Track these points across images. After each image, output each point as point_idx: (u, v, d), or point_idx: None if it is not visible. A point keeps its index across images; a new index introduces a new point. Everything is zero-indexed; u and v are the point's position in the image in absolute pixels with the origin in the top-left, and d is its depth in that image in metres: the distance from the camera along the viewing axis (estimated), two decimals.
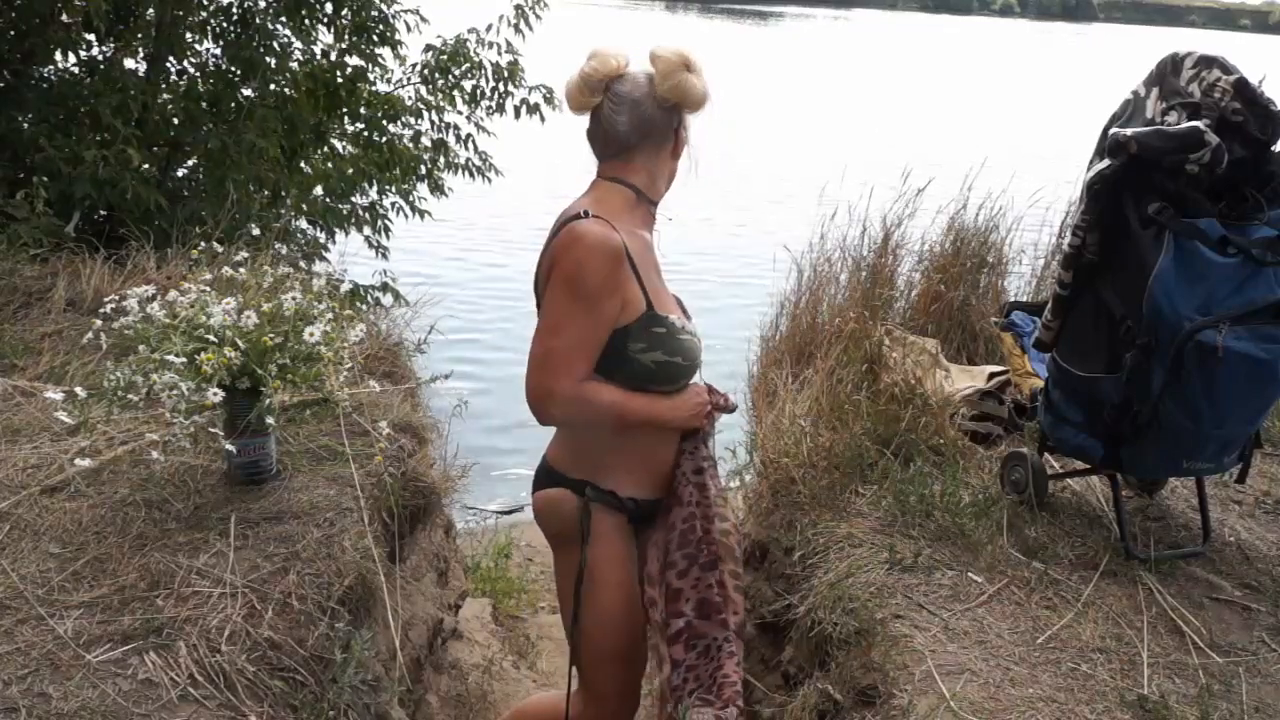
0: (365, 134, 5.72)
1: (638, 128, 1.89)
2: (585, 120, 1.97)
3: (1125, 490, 2.65)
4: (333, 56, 5.47)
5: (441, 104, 5.83)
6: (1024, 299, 4.08)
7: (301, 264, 4.74)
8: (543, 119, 5.70)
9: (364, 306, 4.93)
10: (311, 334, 2.18)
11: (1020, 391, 2.97)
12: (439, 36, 5.78)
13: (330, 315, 2.29)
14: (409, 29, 5.66)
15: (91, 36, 4.78)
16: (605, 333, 1.84)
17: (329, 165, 5.61)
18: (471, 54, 5.72)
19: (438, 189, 6.00)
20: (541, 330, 1.87)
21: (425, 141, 5.89)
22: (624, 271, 1.84)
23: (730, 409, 2.07)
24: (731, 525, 2.00)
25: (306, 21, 5.30)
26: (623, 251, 1.83)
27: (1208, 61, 2.27)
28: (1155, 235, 2.17)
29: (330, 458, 2.48)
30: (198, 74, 5.22)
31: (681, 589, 1.93)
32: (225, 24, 5.13)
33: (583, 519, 1.98)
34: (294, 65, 5.27)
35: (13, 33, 4.52)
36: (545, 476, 2.04)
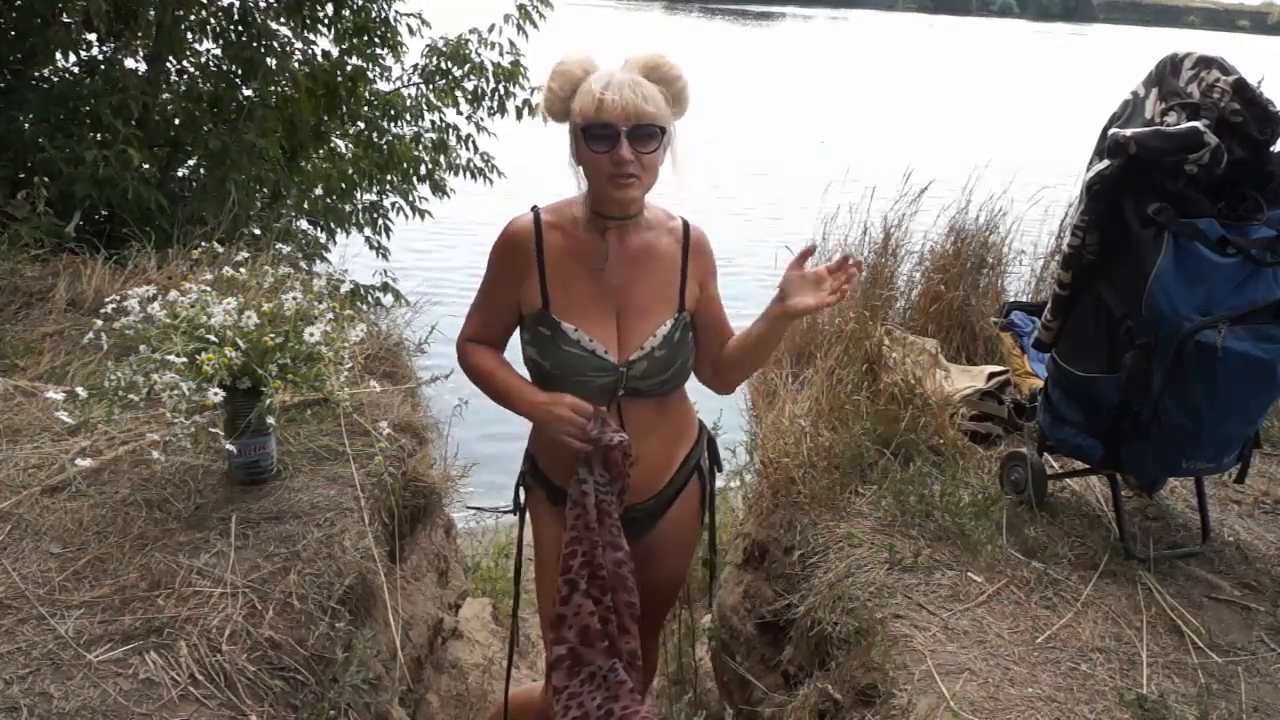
0: (366, 134, 5.72)
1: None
2: None
3: (1124, 490, 2.65)
4: (334, 56, 5.47)
5: (443, 104, 5.83)
6: (1024, 299, 4.08)
7: (302, 264, 4.75)
8: (545, 119, 5.68)
9: (364, 306, 4.93)
10: (312, 334, 2.18)
11: (1020, 391, 2.97)
12: (440, 37, 5.78)
13: (331, 315, 2.30)
14: (411, 32, 5.66)
15: (92, 37, 4.79)
16: (495, 308, 2.00)
17: (329, 165, 5.61)
18: (472, 54, 5.72)
19: (439, 189, 6.00)
20: None
21: (426, 142, 5.89)
22: (518, 264, 1.93)
23: (596, 441, 1.89)
24: (626, 555, 1.95)
25: (307, 23, 5.31)
26: (526, 248, 1.92)
27: (1207, 62, 2.27)
28: (1155, 235, 2.17)
29: (331, 458, 2.48)
30: (198, 74, 5.23)
31: (565, 615, 1.92)
32: (225, 24, 5.14)
33: (515, 493, 2.14)
34: (294, 65, 5.28)
35: (13, 33, 4.52)
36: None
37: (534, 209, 1.97)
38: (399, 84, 5.84)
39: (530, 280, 1.93)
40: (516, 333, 2.04)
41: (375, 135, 5.72)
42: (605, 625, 1.92)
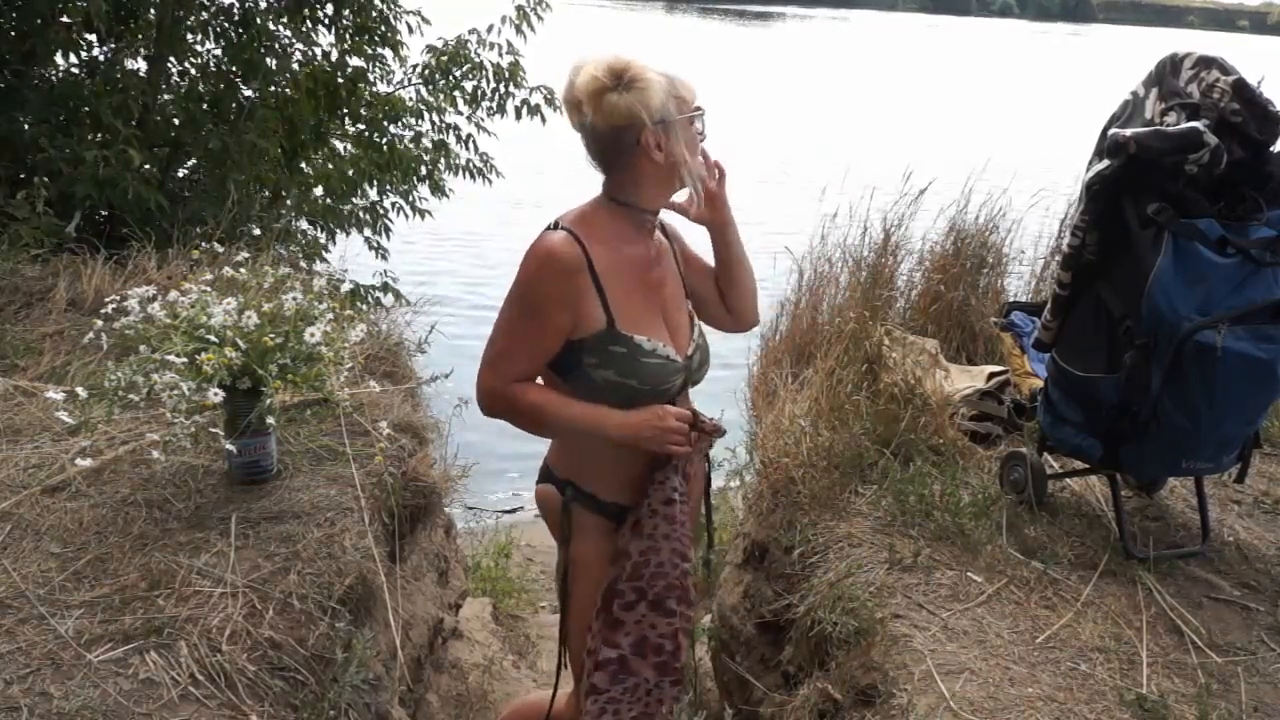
0: (366, 134, 5.72)
1: (598, 152, 1.83)
2: None
3: (1124, 490, 2.65)
4: (334, 57, 5.48)
5: (442, 105, 5.84)
6: (1024, 299, 4.08)
7: (302, 264, 4.75)
8: (544, 120, 5.71)
9: (364, 306, 4.93)
10: (312, 334, 2.18)
11: (1020, 391, 2.97)
12: (440, 38, 5.78)
13: (331, 315, 2.30)
14: (410, 30, 5.66)
15: (92, 37, 4.78)
16: (546, 340, 1.82)
17: (329, 166, 5.61)
18: (472, 55, 5.72)
19: (438, 190, 6.00)
20: (492, 329, 1.89)
21: (426, 142, 5.90)
22: (576, 286, 1.79)
23: (712, 433, 1.91)
24: (691, 566, 1.92)
25: (308, 23, 5.30)
26: (577, 266, 1.78)
27: (1206, 62, 2.27)
28: (1154, 236, 2.17)
29: (331, 458, 2.48)
30: (198, 75, 5.23)
31: (623, 621, 1.88)
32: (226, 25, 5.14)
33: (563, 518, 1.99)
34: (295, 66, 5.28)
35: (14, 33, 4.52)
36: (542, 471, 2.07)
37: (562, 226, 1.83)
38: (399, 86, 5.84)
39: (587, 301, 1.81)
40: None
41: (376, 135, 5.72)
42: (671, 640, 1.89)
